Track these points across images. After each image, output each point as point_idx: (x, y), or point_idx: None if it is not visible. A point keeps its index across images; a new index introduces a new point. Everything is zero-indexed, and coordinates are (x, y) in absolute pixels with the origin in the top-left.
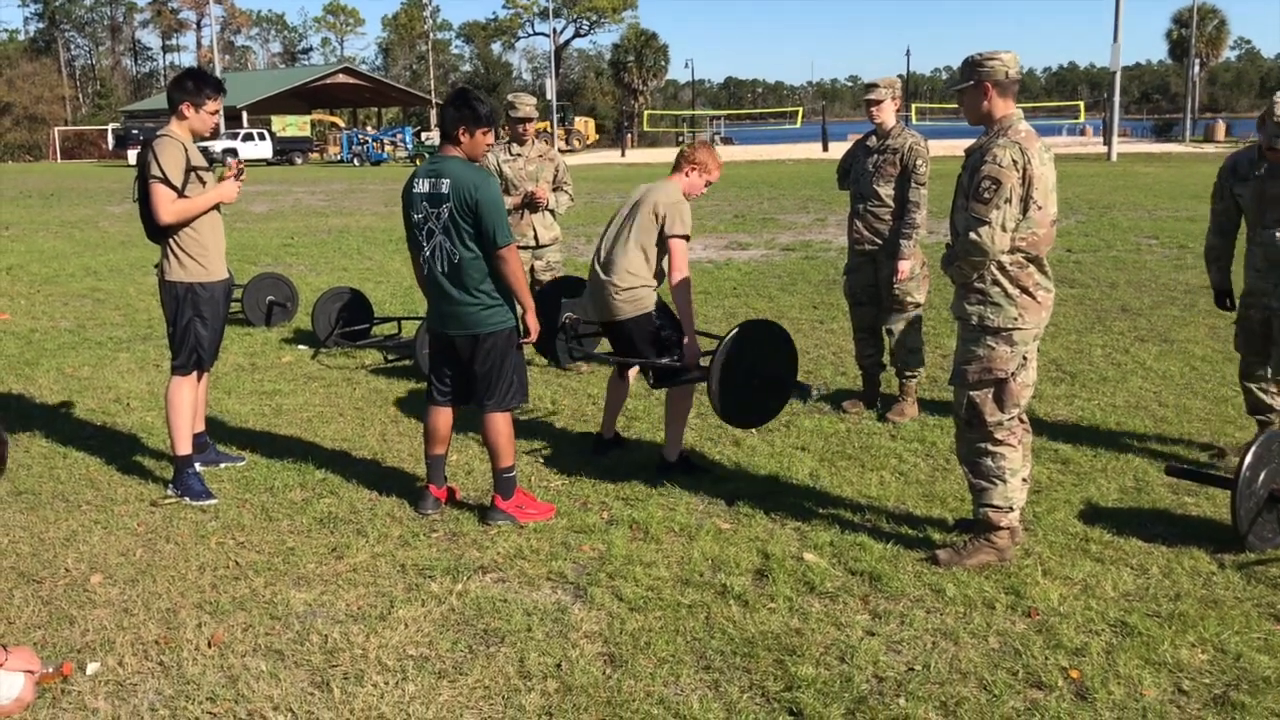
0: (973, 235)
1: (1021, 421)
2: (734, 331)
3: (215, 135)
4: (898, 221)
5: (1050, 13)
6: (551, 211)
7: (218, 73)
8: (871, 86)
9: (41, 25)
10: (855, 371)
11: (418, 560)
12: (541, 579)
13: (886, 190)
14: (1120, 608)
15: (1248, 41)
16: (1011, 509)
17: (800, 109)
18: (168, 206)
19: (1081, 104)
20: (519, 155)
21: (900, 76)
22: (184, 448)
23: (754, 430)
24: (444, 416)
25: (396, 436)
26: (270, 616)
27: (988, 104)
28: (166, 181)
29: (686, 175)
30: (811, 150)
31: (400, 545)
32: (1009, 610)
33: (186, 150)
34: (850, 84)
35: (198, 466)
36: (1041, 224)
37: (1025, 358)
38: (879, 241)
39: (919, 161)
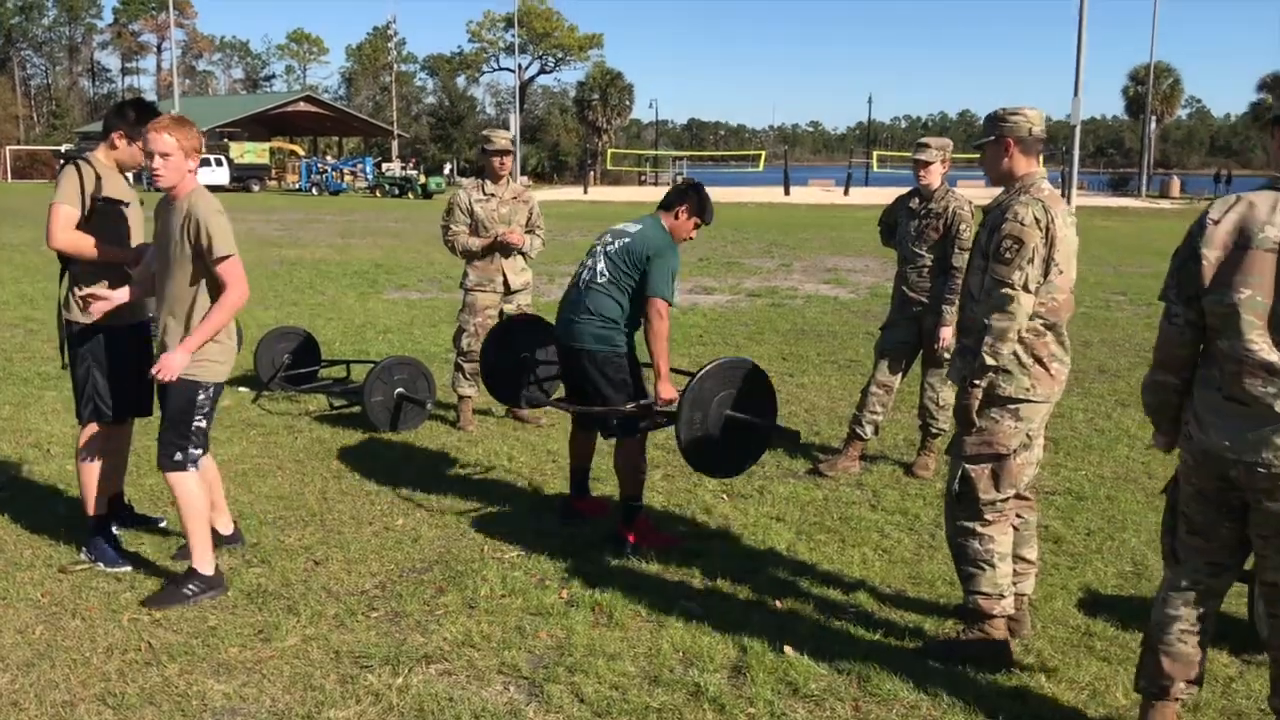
0: (996, 298)
1: (1026, 499)
2: (707, 367)
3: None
4: (939, 283)
5: (1009, 65)
6: (524, 254)
7: (177, 97)
8: (923, 146)
9: None
10: (830, 431)
11: (354, 646)
12: (492, 672)
13: (929, 254)
14: (1133, 718)
15: (1199, 100)
16: (1003, 595)
17: (763, 152)
18: (59, 231)
19: (1040, 157)
20: (492, 195)
21: (861, 124)
22: (94, 507)
23: (725, 495)
24: (583, 438)
25: (338, 495)
26: (182, 713)
27: (1009, 161)
28: (65, 204)
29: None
30: (774, 194)
31: (335, 626)
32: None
33: (100, 179)
34: (811, 129)
35: (114, 529)
36: (1062, 289)
37: (1030, 435)
38: (925, 301)
39: (963, 226)
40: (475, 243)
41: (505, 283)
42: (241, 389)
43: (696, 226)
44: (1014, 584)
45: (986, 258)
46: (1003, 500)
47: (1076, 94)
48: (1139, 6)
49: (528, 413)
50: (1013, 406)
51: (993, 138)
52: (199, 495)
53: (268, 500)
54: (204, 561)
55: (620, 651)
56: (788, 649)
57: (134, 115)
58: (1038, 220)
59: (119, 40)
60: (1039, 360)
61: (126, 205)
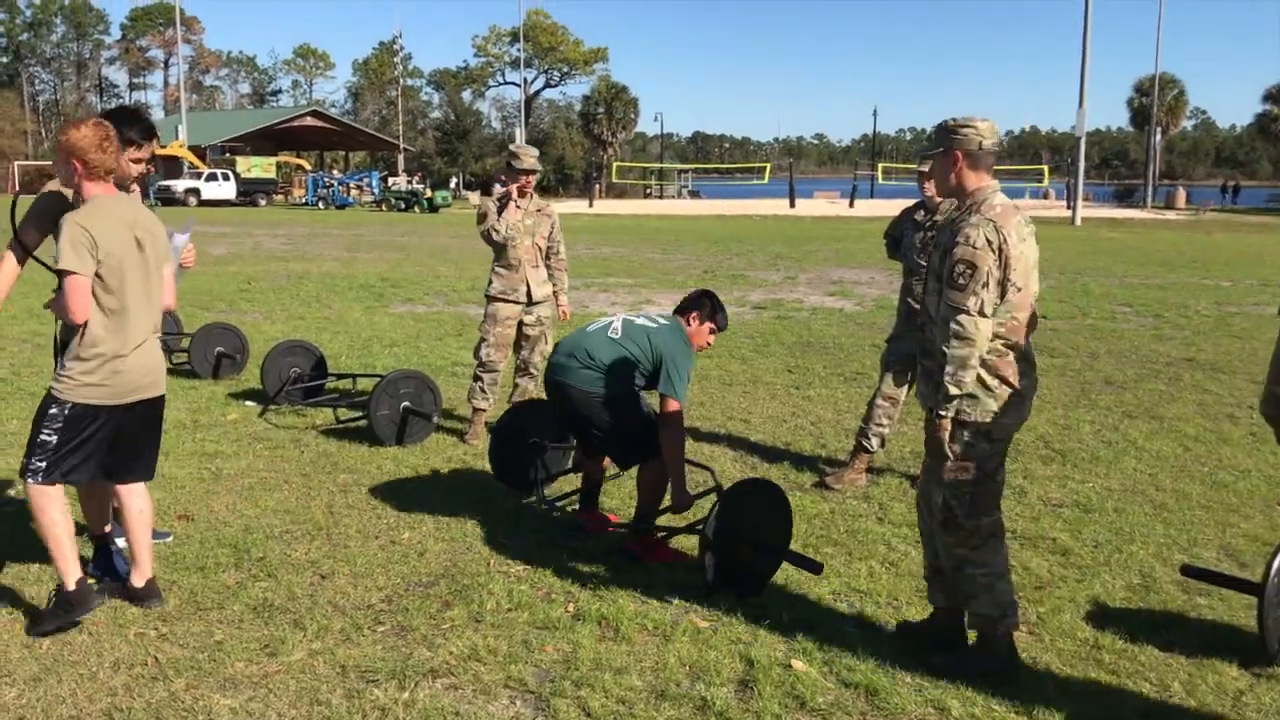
0: (954, 326)
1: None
2: (731, 494)
3: (142, 182)
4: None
5: (1014, 77)
6: (550, 264)
7: (184, 112)
8: (928, 158)
9: (5, 60)
10: (836, 444)
11: (360, 660)
12: (499, 686)
13: None
14: None
15: (1204, 112)
16: (1006, 614)
17: (768, 165)
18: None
19: (1046, 168)
20: (518, 207)
21: (866, 136)
22: (99, 525)
23: None
24: (593, 461)
25: (344, 509)
26: None
27: (956, 175)
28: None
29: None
30: (779, 206)
31: (342, 641)
32: None
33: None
34: (816, 142)
35: (121, 543)
36: (1022, 307)
37: (1003, 456)
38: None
39: None
40: (492, 207)
41: (528, 293)
42: (248, 403)
43: (712, 332)
44: (951, 599)
45: (941, 281)
46: (988, 521)
47: (1081, 105)
48: (1144, 18)
49: None
50: (984, 429)
51: (941, 150)
52: (45, 511)
53: (274, 514)
54: (66, 577)
55: (627, 665)
56: (795, 663)
57: (116, 125)
58: (989, 242)
59: (127, 56)
60: (1004, 381)
61: None
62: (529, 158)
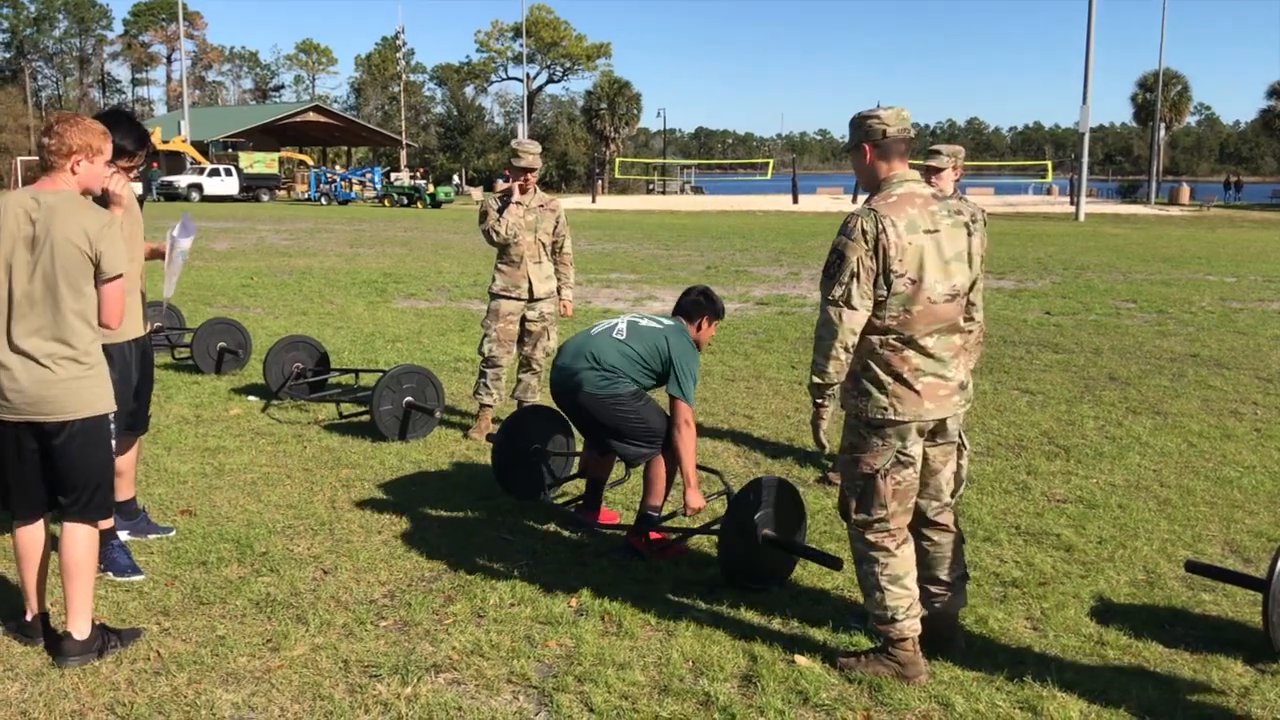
0: (820, 316)
1: (937, 524)
2: (746, 492)
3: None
4: None
5: (1018, 72)
6: (556, 259)
7: (186, 107)
8: (934, 153)
9: (8, 55)
10: (839, 440)
11: (363, 655)
12: (502, 681)
13: None
14: None
15: (1208, 108)
16: (895, 619)
17: (771, 161)
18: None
19: (1049, 164)
20: (519, 203)
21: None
22: (105, 522)
23: None
24: (600, 457)
25: (347, 504)
26: None
27: (868, 166)
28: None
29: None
30: (782, 202)
31: (344, 636)
32: None
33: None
34: (819, 137)
35: (125, 536)
36: (916, 300)
37: (904, 454)
38: None
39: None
40: (493, 205)
41: (530, 289)
42: (251, 398)
43: (713, 325)
44: (934, 603)
45: None
46: (878, 521)
47: (1085, 101)
48: (1148, 14)
49: None
50: (875, 425)
51: (854, 144)
52: None
53: (276, 509)
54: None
55: (630, 661)
56: (798, 658)
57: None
58: (865, 232)
59: (129, 51)
60: (898, 378)
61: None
62: (529, 154)
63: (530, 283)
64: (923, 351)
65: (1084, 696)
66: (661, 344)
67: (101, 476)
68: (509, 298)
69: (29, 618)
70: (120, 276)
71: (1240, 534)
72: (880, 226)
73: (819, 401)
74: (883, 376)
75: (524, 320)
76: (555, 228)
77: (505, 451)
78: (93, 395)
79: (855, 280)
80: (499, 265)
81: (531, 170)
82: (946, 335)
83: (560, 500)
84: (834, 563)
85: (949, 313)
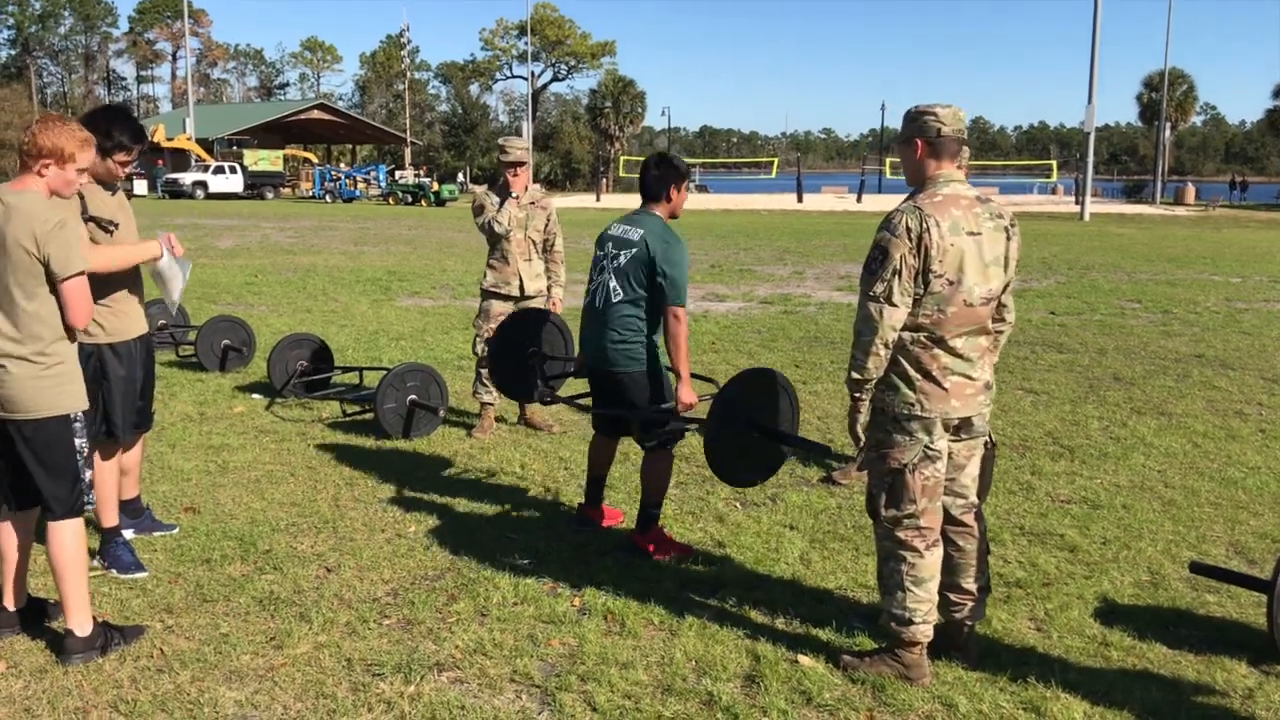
0: (860, 311)
1: (962, 525)
2: (735, 378)
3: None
4: None
5: (1023, 72)
6: (547, 257)
7: (191, 105)
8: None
9: (14, 52)
10: (844, 439)
11: (366, 653)
12: (504, 680)
13: None
14: None
15: (1213, 107)
16: (912, 622)
17: (775, 159)
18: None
19: (1054, 163)
20: (512, 199)
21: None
22: (110, 520)
23: (738, 503)
24: (605, 446)
25: (350, 502)
26: None
27: (918, 162)
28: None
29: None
30: (786, 201)
31: (347, 634)
32: None
33: (83, 199)
34: (824, 136)
35: (130, 535)
36: (952, 301)
37: (930, 449)
38: None
39: None
40: (493, 203)
41: (520, 287)
42: (255, 396)
43: (686, 189)
44: (953, 612)
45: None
46: (907, 517)
47: (1090, 101)
48: (1153, 14)
49: (540, 419)
50: (903, 421)
51: (905, 138)
52: None
53: (280, 507)
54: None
55: (633, 660)
56: (802, 658)
57: (105, 127)
58: (909, 230)
59: (134, 49)
60: (927, 375)
61: (116, 227)
62: (517, 149)
63: (520, 280)
64: (952, 351)
65: (1088, 697)
66: (645, 260)
67: (65, 475)
68: (499, 295)
69: (10, 607)
70: (80, 274)
71: (1245, 535)
72: (924, 225)
73: (857, 396)
74: (911, 373)
75: None
76: (546, 225)
77: (503, 358)
78: (53, 395)
79: (897, 277)
80: (490, 261)
81: (520, 165)
82: (975, 336)
83: (562, 393)
84: (821, 450)
85: (982, 315)
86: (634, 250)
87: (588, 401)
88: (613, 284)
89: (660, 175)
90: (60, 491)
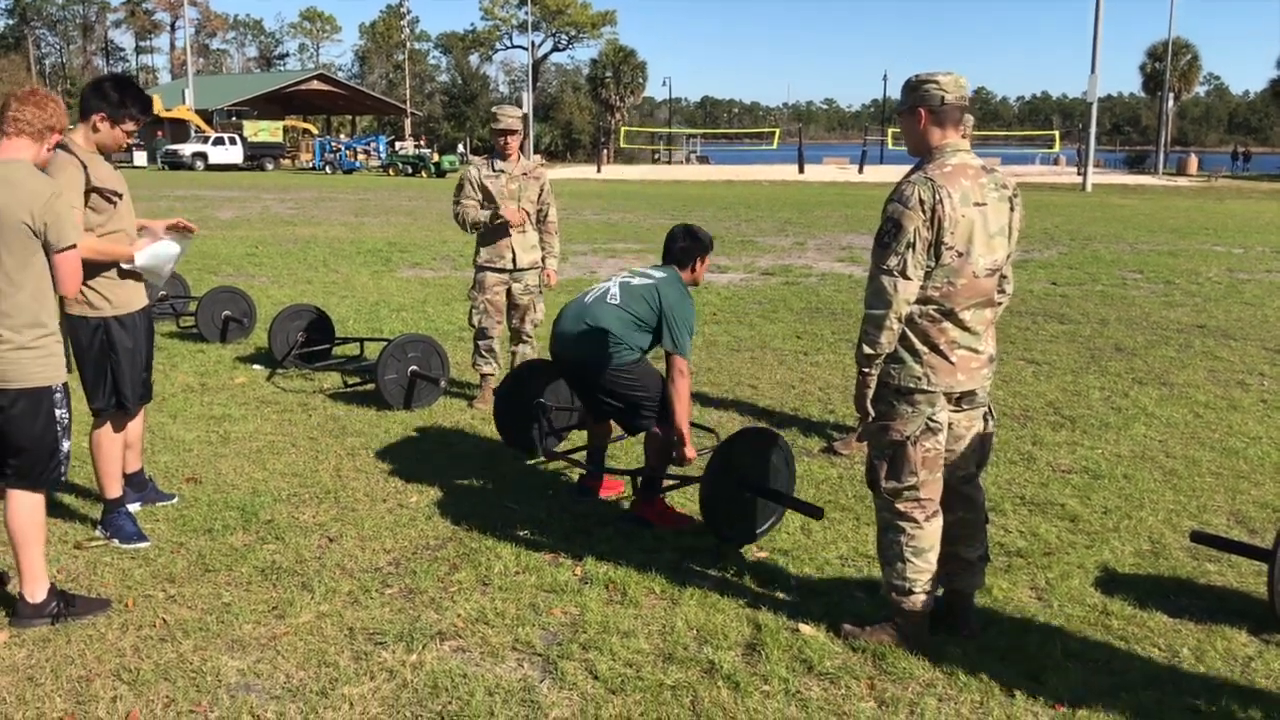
0: (873, 284)
1: (964, 497)
2: (733, 438)
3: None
4: None
5: (1025, 41)
6: (541, 228)
7: (190, 75)
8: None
9: (11, 21)
10: (844, 409)
11: (368, 622)
12: (506, 649)
13: None
14: (1153, 699)
15: (1217, 78)
16: (912, 591)
17: (777, 130)
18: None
19: (1057, 133)
20: (502, 172)
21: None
22: (114, 491)
23: None
24: (600, 425)
25: (352, 472)
26: (197, 689)
27: (921, 131)
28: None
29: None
30: (788, 171)
31: (349, 603)
32: (1029, 699)
33: (87, 169)
34: (825, 107)
35: (134, 508)
36: (961, 274)
37: (933, 421)
38: None
39: None
40: (482, 215)
41: (514, 259)
42: (256, 366)
43: (705, 260)
44: (950, 582)
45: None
46: (907, 489)
47: (1093, 71)
48: None
49: None
50: (907, 393)
51: (907, 107)
52: None
53: (282, 477)
54: None
55: (634, 629)
56: (803, 627)
57: (116, 96)
58: (922, 201)
59: (132, 19)
60: (935, 348)
61: (120, 197)
62: (508, 117)
63: (514, 252)
64: (960, 325)
65: (1088, 666)
66: (653, 298)
67: (42, 446)
68: (493, 269)
69: None
70: (73, 247)
71: (1246, 504)
72: (938, 197)
73: (866, 370)
74: (919, 346)
75: (510, 293)
76: (540, 195)
77: (508, 408)
78: (36, 367)
79: (911, 250)
80: (483, 237)
81: (511, 132)
82: (982, 309)
83: (562, 448)
84: (815, 512)
85: (988, 287)
86: (649, 282)
87: (582, 456)
88: (613, 289)
89: (687, 248)
90: (37, 463)
